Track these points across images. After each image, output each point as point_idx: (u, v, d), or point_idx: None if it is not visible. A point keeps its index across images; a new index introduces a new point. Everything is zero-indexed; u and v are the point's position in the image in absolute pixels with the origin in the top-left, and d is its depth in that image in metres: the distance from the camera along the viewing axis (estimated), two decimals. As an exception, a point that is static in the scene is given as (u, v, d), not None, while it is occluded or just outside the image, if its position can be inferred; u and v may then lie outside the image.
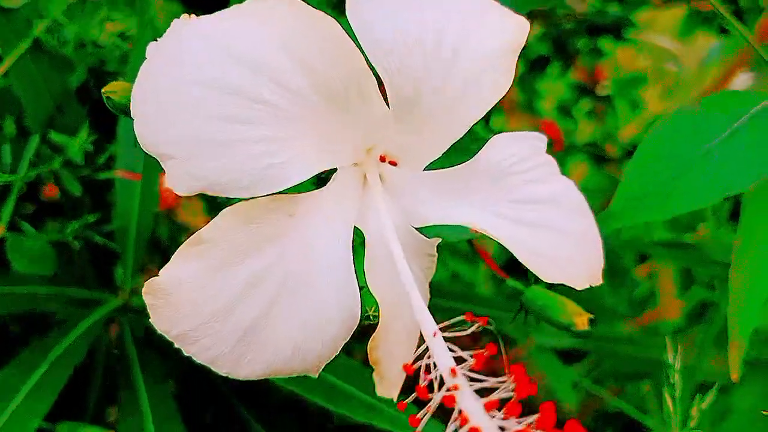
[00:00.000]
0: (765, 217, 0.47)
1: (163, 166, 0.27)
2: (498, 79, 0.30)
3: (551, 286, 0.33)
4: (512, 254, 0.30)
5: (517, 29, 0.30)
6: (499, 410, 0.22)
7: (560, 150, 1.51)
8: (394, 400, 0.32)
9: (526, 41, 0.30)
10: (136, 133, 0.27)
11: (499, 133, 0.32)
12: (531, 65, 1.34)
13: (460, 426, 0.22)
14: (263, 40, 0.26)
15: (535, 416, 0.21)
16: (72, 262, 0.62)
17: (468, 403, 0.23)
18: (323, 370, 0.31)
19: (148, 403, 0.56)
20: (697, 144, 0.43)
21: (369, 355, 0.31)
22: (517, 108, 1.47)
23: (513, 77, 0.30)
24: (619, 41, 1.27)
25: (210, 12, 0.27)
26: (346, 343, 0.31)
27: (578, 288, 0.31)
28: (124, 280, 0.62)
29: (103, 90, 0.31)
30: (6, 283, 0.55)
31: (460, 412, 0.23)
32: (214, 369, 0.30)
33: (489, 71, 0.29)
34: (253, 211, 0.28)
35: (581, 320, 0.36)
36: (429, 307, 0.28)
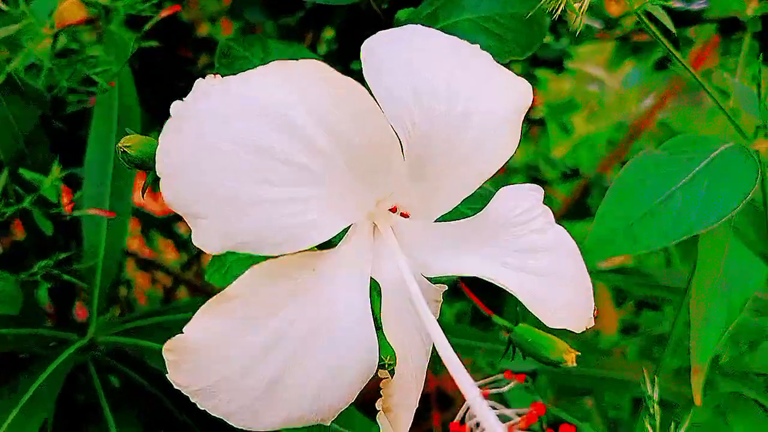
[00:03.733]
0: (717, 254, 0.51)
1: (190, 225, 0.27)
2: (505, 140, 0.32)
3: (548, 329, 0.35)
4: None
5: (521, 92, 0.32)
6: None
7: (503, 172, 1.56)
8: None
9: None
10: (163, 192, 0.27)
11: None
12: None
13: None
14: (297, 103, 0.27)
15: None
16: (34, 301, 0.60)
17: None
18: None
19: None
20: (661, 187, 0.47)
21: (383, 403, 0.32)
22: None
23: (519, 139, 0.32)
24: (560, 73, 1.33)
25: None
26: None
27: (577, 331, 0.34)
28: (91, 318, 0.61)
29: (119, 144, 0.31)
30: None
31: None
32: (229, 422, 0.31)
33: (497, 132, 0.31)
34: (279, 268, 0.28)
35: (570, 357, 0.38)
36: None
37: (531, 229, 0.33)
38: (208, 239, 0.27)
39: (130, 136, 0.31)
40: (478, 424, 0.26)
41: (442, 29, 0.48)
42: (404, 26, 0.33)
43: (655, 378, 0.42)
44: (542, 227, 0.34)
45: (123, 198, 0.58)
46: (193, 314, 0.28)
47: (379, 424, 0.34)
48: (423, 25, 0.49)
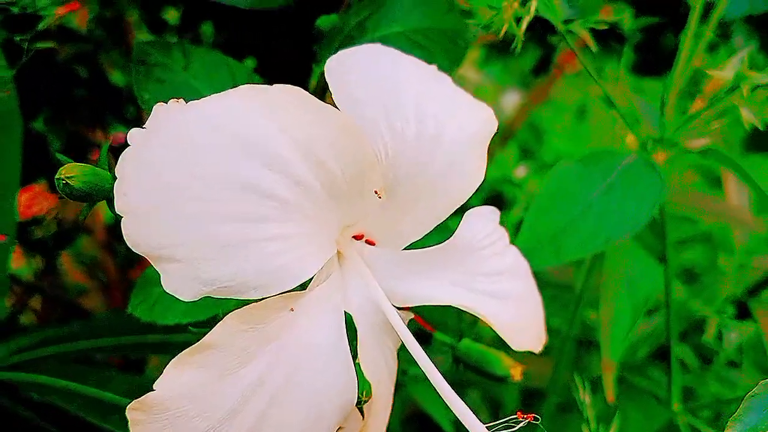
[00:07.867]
0: (620, 257, 0.55)
1: (159, 270, 0.25)
2: (474, 165, 0.31)
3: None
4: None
5: (487, 116, 0.32)
6: None
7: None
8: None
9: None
10: (124, 233, 0.24)
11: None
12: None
13: None
14: (274, 131, 0.25)
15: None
16: None
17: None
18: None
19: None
20: (581, 197, 0.49)
21: (357, 439, 0.31)
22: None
23: (485, 166, 0.32)
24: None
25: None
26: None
27: (536, 351, 0.34)
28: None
29: (59, 176, 0.27)
30: None
31: None
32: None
33: (466, 157, 0.31)
34: (260, 312, 0.26)
35: (516, 372, 0.39)
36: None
37: (493, 253, 0.33)
38: (181, 285, 0.24)
39: (71, 165, 0.27)
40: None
41: (372, 42, 0.47)
42: (365, 46, 0.32)
43: (583, 382, 0.44)
44: (502, 250, 0.34)
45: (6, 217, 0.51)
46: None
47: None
48: (352, 37, 0.48)
